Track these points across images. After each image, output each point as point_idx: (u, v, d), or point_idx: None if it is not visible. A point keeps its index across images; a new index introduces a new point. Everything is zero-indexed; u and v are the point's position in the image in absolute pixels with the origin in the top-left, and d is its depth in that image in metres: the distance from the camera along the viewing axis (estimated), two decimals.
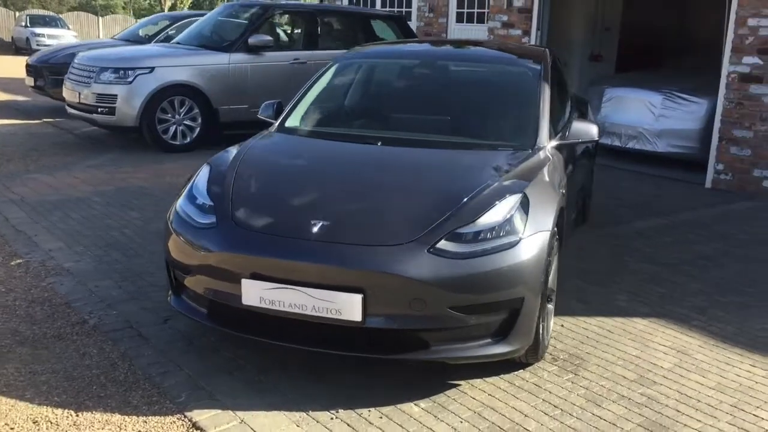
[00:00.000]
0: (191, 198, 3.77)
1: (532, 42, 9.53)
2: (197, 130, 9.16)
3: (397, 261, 3.15)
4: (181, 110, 9.03)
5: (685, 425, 3.19)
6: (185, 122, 9.10)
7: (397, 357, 3.29)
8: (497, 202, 3.42)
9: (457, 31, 12.90)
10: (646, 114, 8.68)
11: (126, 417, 3.16)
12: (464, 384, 3.48)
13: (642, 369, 3.70)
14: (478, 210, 3.38)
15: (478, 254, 3.22)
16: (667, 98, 8.66)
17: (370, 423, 3.15)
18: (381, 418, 3.19)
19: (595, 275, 5.00)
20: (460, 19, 12.88)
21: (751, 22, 7.42)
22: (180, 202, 3.80)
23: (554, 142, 4.24)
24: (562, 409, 3.29)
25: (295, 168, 4.04)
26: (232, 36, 9.69)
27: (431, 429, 3.12)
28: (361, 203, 3.55)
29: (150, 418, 3.17)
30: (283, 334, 3.36)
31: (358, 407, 3.27)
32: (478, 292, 3.20)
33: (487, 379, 3.53)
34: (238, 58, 9.33)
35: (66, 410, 3.20)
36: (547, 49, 5.17)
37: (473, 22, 12.58)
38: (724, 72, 7.73)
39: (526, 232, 3.35)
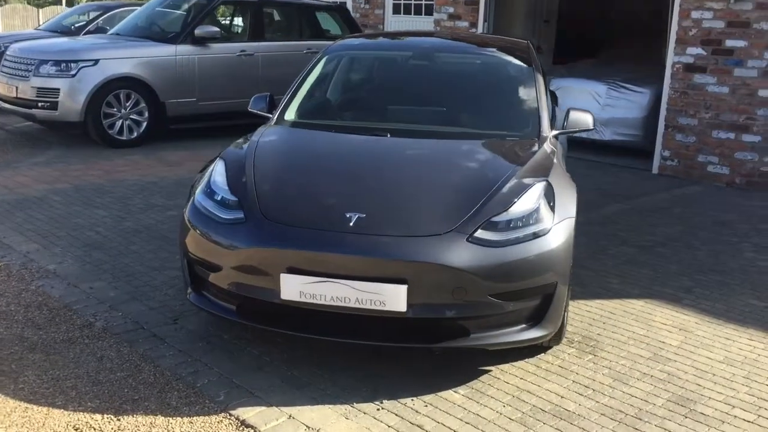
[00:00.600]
0: (209, 194, 3.70)
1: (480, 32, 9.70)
2: (144, 124, 8.89)
3: (439, 251, 3.20)
4: (128, 104, 8.74)
5: (710, 398, 3.38)
6: (131, 117, 8.81)
7: (439, 346, 3.34)
8: (525, 191, 3.51)
9: (394, 23, 12.94)
10: (591, 104, 8.98)
11: (170, 419, 3.10)
12: (494, 370, 3.57)
13: (653, 347, 3.88)
14: (509, 199, 3.46)
15: (513, 242, 3.30)
16: (612, 88, 9.01)
17: (417, 412, 3.19)
18: (426, 406, 3.24)
19: (580, 259, 5.17)
20: (397, 10, 12.93)
21: (695, 14, 7.80)
22: (198, 198, 3.72)
23: (555, 132, 4.37)
24: (593, 389, 3.42)
25: (316, 161, 4.01)
26: (176, 27, 9.44)
27: (477, 414, 3.19)
28: (392, 195, 3.57)
29: (195, 418, 3.11)
30: (323, 328, 3.35)
31: (400, 397, 3.30)
32: (516, 279, 3.28)
33: (514, 363, 3.63)
34: (185, 50, 9.10)
35: (105, 415, 3.10)
36: (528, 42, 5.30)
37: (411, 14, 12.66)
38: (669, 62, 8.10)
39: (555, 219, 3.46)
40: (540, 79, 4.62)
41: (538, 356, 3.71)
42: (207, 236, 3.53)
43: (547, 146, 4.11)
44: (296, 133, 4.39)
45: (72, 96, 8.41)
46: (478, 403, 3.28)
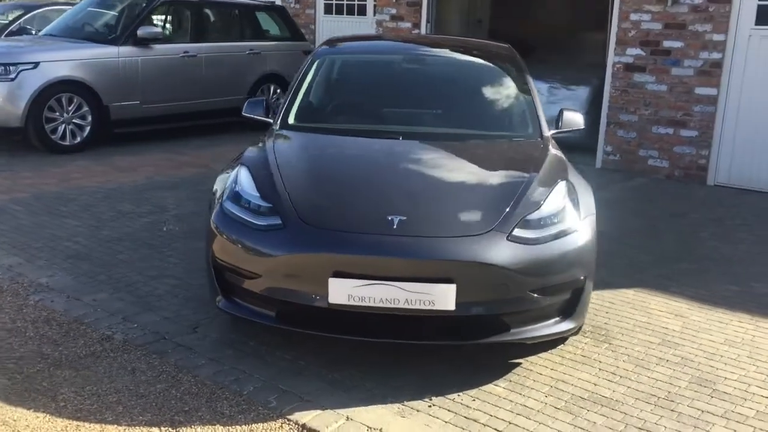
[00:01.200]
0: (238, 200, 3.70)
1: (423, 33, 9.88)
2: (87, 129, 8.59)
3: (484, 250, 3.32)
4: (70, 108, 8.43)
5: (726, 378, 3.65)
6: (74, 121, 8.50)
7: (483, 341, 3.45)
8: (551, 190, 3.68)
9: (325, 22, 12.97)
10: None
11: (229, 427, 3.09)
12: (525, 362, 3.72)
13: (659, 333, 4.13)
14: (538, 198, 3.63)
15: (548, 239, 3.46)
16: (553, 87, 9.38)
17: (467, 406, 3.31)
18: (474, 400, 3.36)
19: None
20: (329, 10, 12.96)
21: (634, 17, 8.23)
22: (227, 205, 3.70)
23: (553, 131, 4.57)
24: (620, 375, 3.63)
25: (344, 166, 4.06)
26: (116, 28, 9.18)
27: (524, 405, 3.33)
28: (427, 197, 3.66)
29: (254, 425, 3.12)
30: (371, 330, 3.41)
31: (446, 393, 3.40)
32: (552, 275, 3.44)
33: (540, 355, 3.79)
34: (128, 52, 8.86)
35: (162, 428, 3.07)
36: (509, 45, 5.49)
37: (344, 14, 12.72)
38: (609, 62, 8.51)
39: (581, 215, 3.64)
40: (531, 81, 4.82)
41: (560, 347, 3.89)
42: (241, 243, 3.53)
43: (553, 146, 4.30)
44: (312, 137, 4.40)
45: (12, 101, 8.03)
46: (520, 394, 3.42)
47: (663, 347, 3.96)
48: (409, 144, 4.24)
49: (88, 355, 3.67)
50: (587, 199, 3.81)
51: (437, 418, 3.21)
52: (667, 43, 8.06)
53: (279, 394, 3.35)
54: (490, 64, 5.15)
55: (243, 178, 3.81)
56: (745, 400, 3.44)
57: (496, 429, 3.14)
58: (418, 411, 3.26)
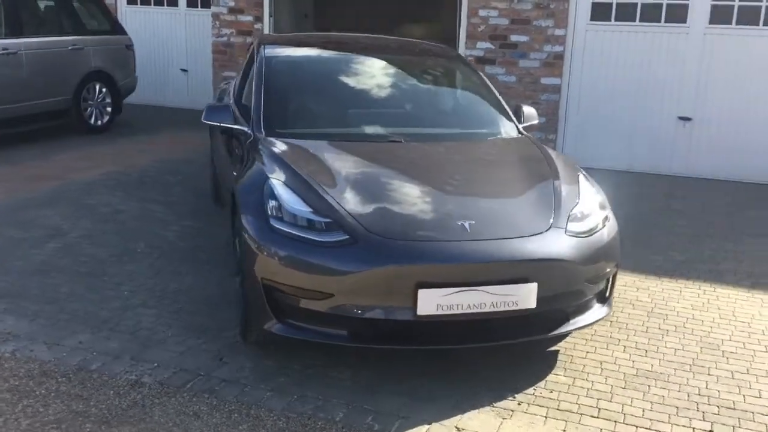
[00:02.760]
0: (282, 217, 3.44)
1: (266, 29, 9.63)
2: None
3: (554, 246, 3.46)
4: None
5: (730, 339, 4.14)
6: None
7: (552, 334, 3.57)
8: (578, 183, 3.90)
9: (130, 14, 12.06)
10: None
11: None
12: (560, 349, 3.92)
13: (639, 305, 4.55)
14: (571, 192, 3.83)
15: (593, 231, 3.68)
16: None
17: (551, 398, 3.43)
18: (552, 392, 3.50)
19: None
20: (132, 0, 12.07)
21: (482, 12, 8.74)
22: (274, 223, 3.44)
23: (522, 125, 4.79)
24: (644, 349, 3.97)
25: (385, 174, 3.92)
26: None
27: (596, 389, 3.53)
28: (483, 199, 3.72)
29: None
30: (455, 337, 3.40)
31: (522, 389, 3.50)
32: (601, 263, 3.66)
33: (567, 341, 4.01)
34: None
35: None
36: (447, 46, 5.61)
37: (150, 5, 11.93)
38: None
39: (606, 208, 3.90)
40: (485, 77, 5.00)
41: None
42: (305, 262, 3.33)
43: (535, 139, 4.53)
44: (318, 145, 4.15)
45: None
46: (585, 380, 3.62)
47: (669, 321, 4.33)
48: (429, 147, 4.26)
49: (130, 405, 3.23)
50: (599, 189, 4.09)
51: (535, 414, 3.31)
52: (514, 38, 8.68)
53: (373, 416, 3.23)
54: (445, 64, 5.25)
55: (283, 193, 3.55)
56: (753, 357, 3.94)
57: (591, 416, 3.32)
58: (512, 410, 3.33)
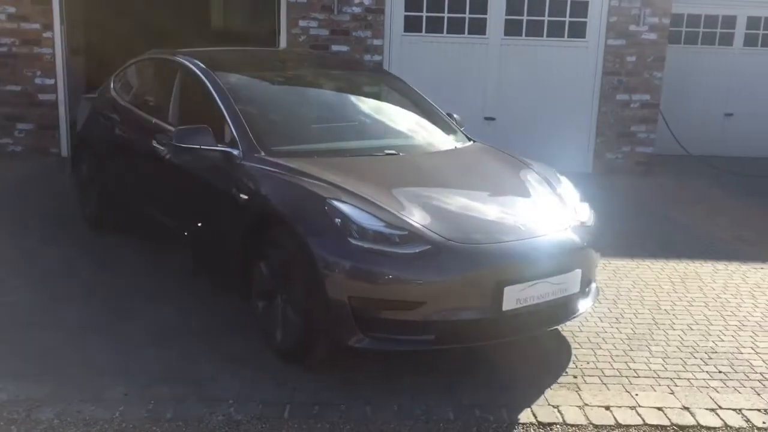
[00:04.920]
0: (356, 235, 3.46)
1: (58, 37, 8.74)
2: None
3: (586, 236, 3.94)
4: None
5: (725, 302, 4.91)
6: None
7: (578, 315, 3.95)
8: (560, 180, 4.40)
9: None
10: None
11: None
12: (570, 338, 4.28)
13: (651, 289, 5.08)
14: (560, 189, 4.29)
15: (591, 220, 4.20)
16: None
17: (603, 384, 3.76)
18: (588, 363, 3.96)
19: None
20: None
21: (302, 23, 8.90)
22: (354, 241, 3.43)
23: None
24: (632, 321, 4.53)
25: (416, 184, 4.06)
26: None
27: (634, 370, 3.92)
28: (512, 200, 4.07)
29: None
30: (524, 326, 3.71)
31: (565, 366, 3.91)
32: (597, 251, 4.19)
33: (564, 328, 4.40)
34: None
35: None
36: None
37: None
38: None
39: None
40: (422, 93, 5.29)
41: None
42: (393, 275, 3.42)
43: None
44: (325, 162, 4.09)
45: None
46: (639, 353, 4.10)
47: (663, 298, 4.94)
48: (423, 158, 4.45)
49: None
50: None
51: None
52: (335, 47, 8.99)
53: (479, 409, 3.41)
54: (378, 79, 5.44)
55: (350, 210, 3.53)
56: (743, 325, 4.58)
57: (634, 377, 3.84)
58: (577, 384, 3.72)
